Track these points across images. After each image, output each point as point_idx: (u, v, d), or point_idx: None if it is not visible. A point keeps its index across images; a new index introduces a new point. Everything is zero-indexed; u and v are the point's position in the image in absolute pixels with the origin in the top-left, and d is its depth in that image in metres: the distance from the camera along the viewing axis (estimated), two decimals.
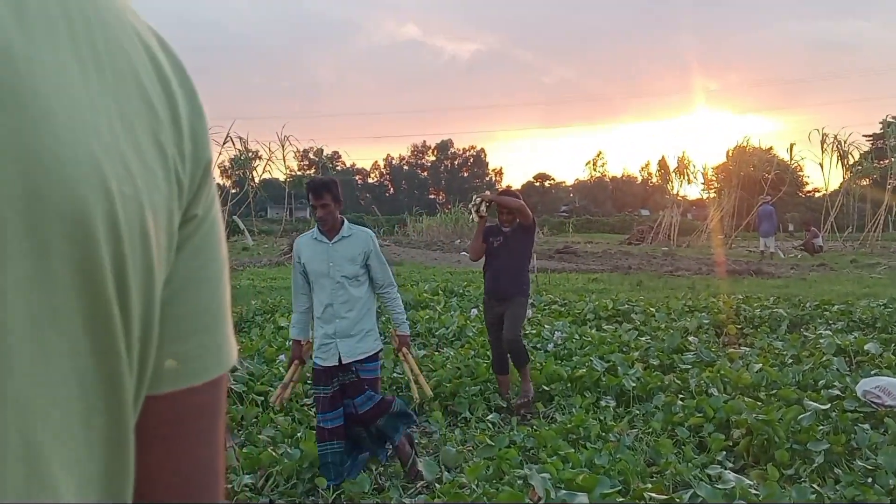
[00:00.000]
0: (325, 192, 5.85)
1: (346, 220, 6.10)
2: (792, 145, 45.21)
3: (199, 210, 0.79)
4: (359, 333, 6.00)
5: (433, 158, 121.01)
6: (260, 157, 48.75)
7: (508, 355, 8.25)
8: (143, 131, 0.71)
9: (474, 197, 8.42)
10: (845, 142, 45.21)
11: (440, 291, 15.97)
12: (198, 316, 0.79)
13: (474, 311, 13.21)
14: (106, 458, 0.69)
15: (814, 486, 5.37)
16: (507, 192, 8.79)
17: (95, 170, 0.64)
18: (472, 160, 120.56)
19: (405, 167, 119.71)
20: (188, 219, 0.77)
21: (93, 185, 0.64)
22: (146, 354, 0.73)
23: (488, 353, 9.65)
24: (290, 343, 6.49)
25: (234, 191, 50.78)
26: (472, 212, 8.35)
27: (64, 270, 0.63)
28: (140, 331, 0.71)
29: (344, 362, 5.96)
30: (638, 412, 7.57)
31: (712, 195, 50.05)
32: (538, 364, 8.98)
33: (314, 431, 6.24)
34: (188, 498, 0.80)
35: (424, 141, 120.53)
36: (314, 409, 6.59)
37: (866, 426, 6.44)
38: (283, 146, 46.67)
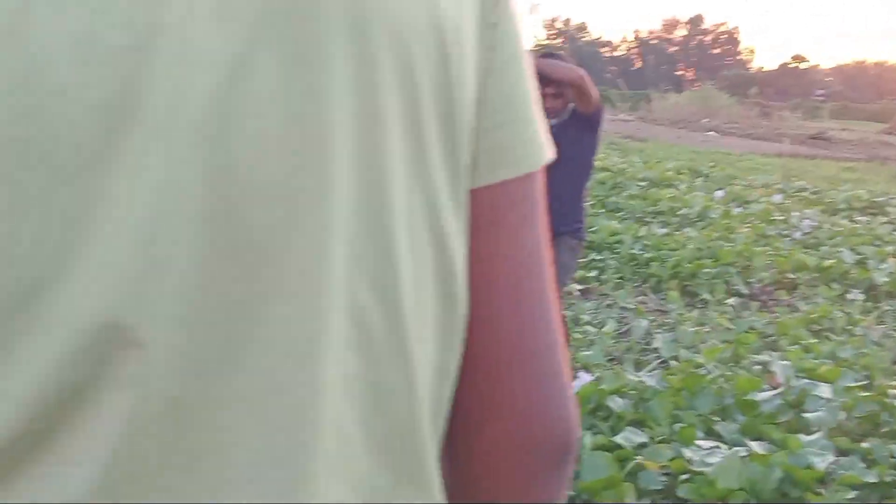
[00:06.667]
0: None
1: None
2: None
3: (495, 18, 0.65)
4: None
5: (684, 33, 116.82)
6: None
7: None
8: None
9: None
10: None
11: (685, 171, 15.66)
12: (510, 104, 0.66)
13: (719, 192, 12.90)
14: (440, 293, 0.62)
15: None
16: (552, 55, 4.78)
17: None
18: (723, 37, 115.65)
19: (653, 41, 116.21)
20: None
21: None
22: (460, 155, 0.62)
23: (731, 235, 9.46)
24: None
25: None
26: None
27: (389, 77, 0.56)
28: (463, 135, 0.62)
29: None
30: (888, 308, 7.27)
31: None
32: (783, 251, 8.73)
33: None
34: (514, 278, 0.67)
35: (675, 16, 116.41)
36: None
37: None
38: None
